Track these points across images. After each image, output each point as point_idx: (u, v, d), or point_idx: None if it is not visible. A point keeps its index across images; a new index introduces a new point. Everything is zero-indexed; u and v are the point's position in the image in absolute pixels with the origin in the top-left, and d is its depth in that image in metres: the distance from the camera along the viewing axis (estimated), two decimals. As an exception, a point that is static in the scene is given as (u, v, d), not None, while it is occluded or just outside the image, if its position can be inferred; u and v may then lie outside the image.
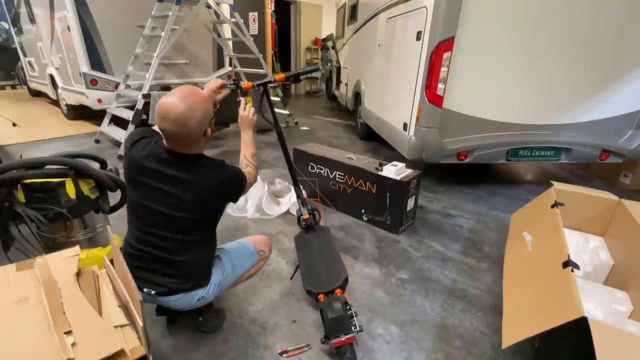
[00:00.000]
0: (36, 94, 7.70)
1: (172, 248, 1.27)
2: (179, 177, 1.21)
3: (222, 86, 1.51)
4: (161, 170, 1.21)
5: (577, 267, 1.30)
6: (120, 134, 4.29)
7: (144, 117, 4.03)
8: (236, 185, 1.35)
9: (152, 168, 1.22)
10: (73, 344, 0.90)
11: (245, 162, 1.49)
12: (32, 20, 5.84)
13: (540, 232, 1.81)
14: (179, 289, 1.31)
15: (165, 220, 1.24)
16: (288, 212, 2.78)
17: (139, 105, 3.95)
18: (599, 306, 1.45)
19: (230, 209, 2.75)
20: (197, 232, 1.30)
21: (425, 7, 2.77)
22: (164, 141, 1.23)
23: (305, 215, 2.01)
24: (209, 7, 4.74)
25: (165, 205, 1.22)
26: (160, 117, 1.13)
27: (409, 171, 2.52)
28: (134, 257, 1.30)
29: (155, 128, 1.35)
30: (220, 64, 6.03)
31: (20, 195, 1.65)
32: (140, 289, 1.27)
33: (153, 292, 1.29)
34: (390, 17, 3.71)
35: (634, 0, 2.68)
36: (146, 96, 3.95)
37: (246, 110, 1.58)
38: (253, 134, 1.60)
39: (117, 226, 2.11)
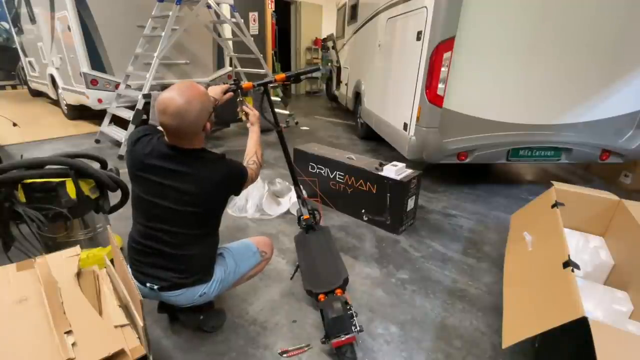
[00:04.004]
0: (37, 94, 7.70)
1: (175, 242, 1.28)
2: (181, 171, 1.23)
3: (226, 90, 1.55)
4: (163, 165, 1.23)
5: (578, 267, 1.30)
6: (120, 134, 4.29)
7: (144, 117, 4.04)
8: (237, 179, 1.37)
9: (154, 164, 1.23)
10: (73, 344, 0.90)
11: (253, 158, 1.51)
12: (33, 20, 5.85)
13: (540, 232, 1.81)
14: (182, 284, 1.32)
15: (168, 214, 1.25)
16: (288, 212, 2.78)
17: (140, 105, 3.95)
18: (599, 306, 1.45)
19: (231, 209, 2.75)
20: (199, 226, 1.32)
21: (425, 7, 2.77)
22: (165, 137, 1.25)
23: (306, 215, 2.02)
24: (209, 7, 4.74)
25: (169, 199, 1.24)
26: (159, 112, 1.16)
27: (409, 171, 2.52)
28: (137, 251, 1.33)
29: (156, 125, 1.36)
30: (220, 64, 6.03)
31: (21, 195, 1.66)
32: (143, 284, 1.30)
33: (156, 287, 1.31)
34: (391, 17, 3.70)
35: (634, 0, 2.68)
36: (146, 96, 3.95)
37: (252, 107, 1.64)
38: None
39: (117, 226, 2.12)
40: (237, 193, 1.44)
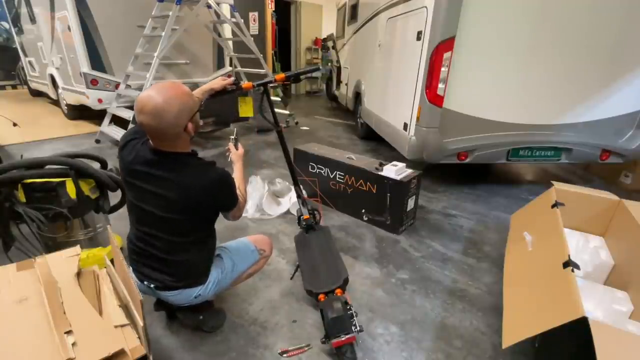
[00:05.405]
0: (37, 94, 7.70)
1: (165, 248, 1.28)
2: (163, 177, 1.20)
3: (225, 88, 1.53)
4: (148, 171, 1.21)
5: (578, 267, 1.30)
6: (120, 134, 4.29)
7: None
8: (225, 186, 1.29)
9: (138, 169, 1.22)
10: (73, 344, 0.90)
11: (237, 192, 1.41)
12: (33, 20, 5.85)
13: (540, 232, 1.81)
14: (175, 286, 1.33)
15: (155, 220, 1.24)
16: (288, 212, 2.78)
17: (139, 105, 3.94)
18: (599, 306, 1.45)
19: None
20: (189, 234, 1.29)
21: (425, 7, 2.77)
22: (149, 140, 1.22)
23: (306, 215, 2.02)
24: (209, 7, 4.74)
25: (153, 205, 1.23)
26: (137, 111, 1.12)
27: (409, 171, 2.52)
28: (135, 252, 1.34)
29: None
30: (220, 64, 6.03)
31: (21, 195, 1.66)
32: (142, 282, 1.33)
33: (152, 285, 1.33)
34: (391, 17, 3.71)
35: (633, 0, 2.68)
36: (146, 96, 3.94)
37: (239, 149, 1.61)
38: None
39: (117, 226, 2.12)
40: (227, 204, 1.34)
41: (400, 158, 2.92)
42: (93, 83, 4.75)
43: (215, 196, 1.27)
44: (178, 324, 1.63)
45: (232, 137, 1.64)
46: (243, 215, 2.68)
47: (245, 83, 1.70)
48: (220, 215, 1.39)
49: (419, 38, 2.89)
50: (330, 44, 7.47)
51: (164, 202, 1.21)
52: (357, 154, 2.89)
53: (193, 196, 1.21)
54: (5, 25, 8.19)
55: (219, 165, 1.30)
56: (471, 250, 2.38)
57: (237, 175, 1.50)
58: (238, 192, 1.38)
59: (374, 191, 2.54)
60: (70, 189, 1.72)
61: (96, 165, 1.91)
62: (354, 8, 5.41)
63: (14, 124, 3.62)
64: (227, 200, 1.33)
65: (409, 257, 2.27)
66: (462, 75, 2.80)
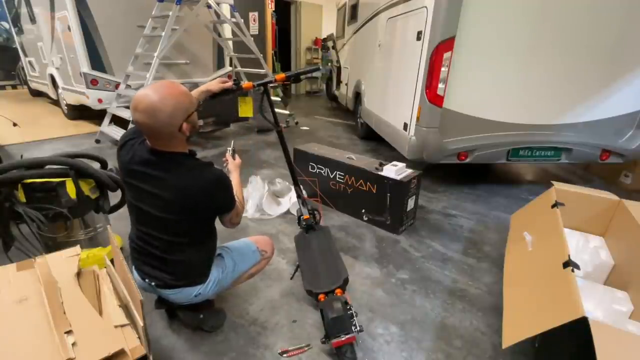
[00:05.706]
0: (37, 93, 7.70)
1: (163, 247, 1.28)
2: (160, 177, 1.19)
3: (225, 88, 1.53)
4: (145, 171, 1.21)
5: (578, 267, 1.30)
6: (120, 134, 4.28)
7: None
8: (223, 186, 1.28)
9: (137, 169, 1.22)
10: (73, 344, 0.90)
11: (235, 199, 1.41)
12: (33, 20, 5.85)
13: (540, 232, 1.81)
14: (175, 285, 1.33)
15: (152, 220, 1.25)
16: (288, 212, 2.78)
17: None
18: (599, 306, 1.45)
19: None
20: (185, 234, 1.28)
21: (425, 7, 2.77)
22: (147, 140, 1.22)
23: (306, 215, 2.02)
24: (209, 7, 4.74)
25: (150, 205, 1.23)
26: (132, 108, 1.12)
27: (409, 171, 2.52)
28: (136, 250, 1.36)
29: None
30: (220, 64, 6.03)
31: (21, 195, 1.66)
32: (143, 279, 1.34)
33: (153, 283, 1.34)
34: (391, 17, 3.71)
35: (633, 0, 2.68)
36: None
37: (236, 159, 1.63)
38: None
39: (117, 226, 2.12)
40: (223, 205, 1.33)
41: (400, 158, 2.92)
42: (93, 83, 4.75)
43: (213, 196, 1.26)
44: (178, 324, 1.63)
45: (230, 148, 1.66)
46: (243, 215, 2.70)
47: (245, 83, 1.70)
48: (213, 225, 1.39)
49: (419, 38, 2.89)
50: (330, 44, 7.47)
51: (160, 202, 1.21)
52: (357, 154, 2.89)
53: (189, 196, 1.20)
54: (5, 25, 8.19)
55: (217, 166, 1.30)
56: (471, 250, 2.38)
57: (234, 182, 1.49)
58: (236, 197, 1.37)
59: (374, 191, 2.54)
60: (70, 189, 1.72)
61: (96, 165, 1.91)
62: (354, 8, 5.42)
63: (14, 124, 3.62)
64: (225, 201, 1.32)
65: (409, 257, 2.27)
66: (462, 75, 2.80)
